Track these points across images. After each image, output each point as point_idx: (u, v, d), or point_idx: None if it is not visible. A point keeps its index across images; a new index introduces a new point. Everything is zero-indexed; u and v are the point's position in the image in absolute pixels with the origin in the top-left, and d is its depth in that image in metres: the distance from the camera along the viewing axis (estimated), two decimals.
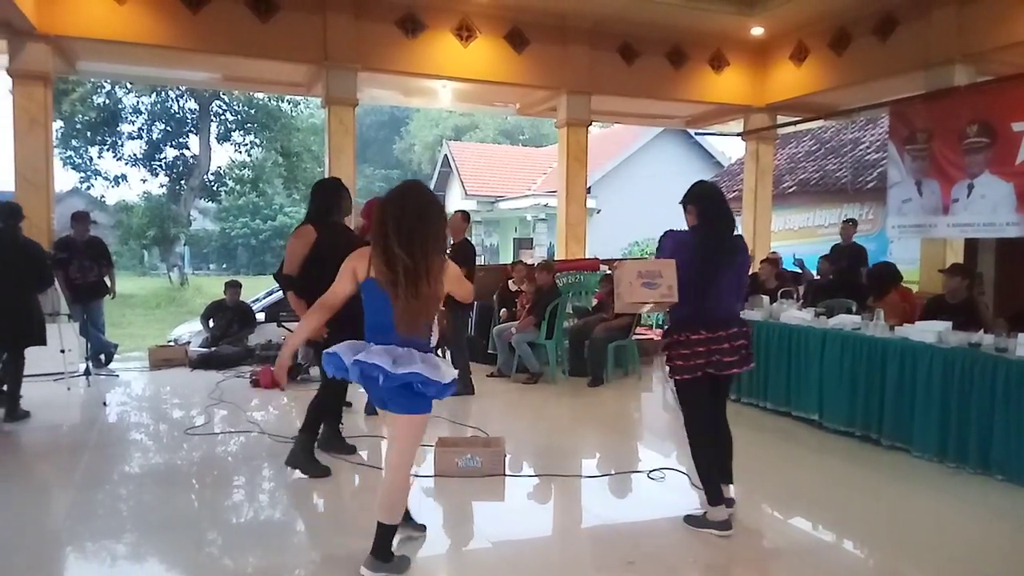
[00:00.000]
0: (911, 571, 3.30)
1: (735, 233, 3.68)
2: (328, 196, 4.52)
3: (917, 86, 7.98)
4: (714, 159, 21.20)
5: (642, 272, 3.43)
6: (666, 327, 3.79)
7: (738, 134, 11.20)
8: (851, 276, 7.75)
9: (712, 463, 3.64)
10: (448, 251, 3.68)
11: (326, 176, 8.73)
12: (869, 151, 12.37)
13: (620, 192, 19.67)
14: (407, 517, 3.33)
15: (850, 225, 8.47)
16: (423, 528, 3.48)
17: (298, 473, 4.29)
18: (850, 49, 8.85)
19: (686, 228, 3.69)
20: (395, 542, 3.08)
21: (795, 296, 6.90)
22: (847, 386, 5.32)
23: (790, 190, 13.12)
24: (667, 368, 3.66)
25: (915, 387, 4.84)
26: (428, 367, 2.86)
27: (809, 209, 13.18)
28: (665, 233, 3.70)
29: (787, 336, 5.94)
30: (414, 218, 2.88)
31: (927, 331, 4.91)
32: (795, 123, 10.60)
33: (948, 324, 4.93)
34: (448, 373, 2.93)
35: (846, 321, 5.62)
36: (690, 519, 3.66)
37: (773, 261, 8.59)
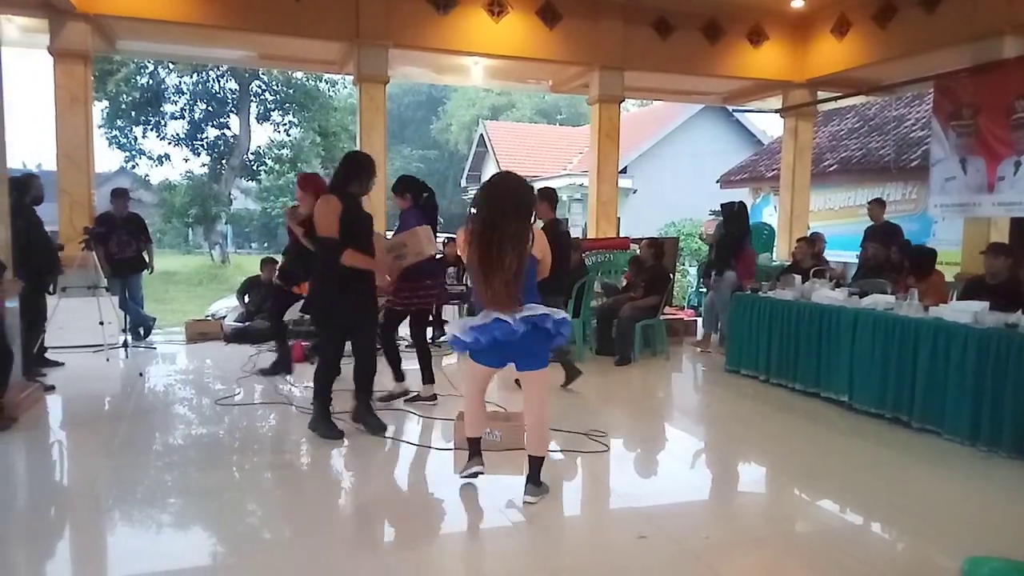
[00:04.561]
0: (939, 556, 3.22)
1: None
2: (353, 169, 4.57)
3: (964, 59, 7.66)
4: (755, 138, 20.67)
5: (426, 235, 5.11)
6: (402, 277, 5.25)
7: (776, 111, 10.93)
8: (886, 255, 7.54)
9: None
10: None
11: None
12: (915, 128, 11.95)
13: (658, 171, 19.32)
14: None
15: (877, 205, 8.20)
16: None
17: (316, 436, 4.54)
18: (894, 21, 8.53)
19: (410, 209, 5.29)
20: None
21: (828, 275, 6.74)
22: (878, 367, 5.20)
23: (831, 168, 12.77)
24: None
25: (948, 369, 4.70)
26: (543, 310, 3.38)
27: (851, 188, 12.81)
28: (410, 213, 5.28)
29: (818, 316, 5.83)
30: (505, 214, 3.31)
31: (963, 311, 4.76)
32: (835, 99, 10.31)
33: (985, 304, 4.77)
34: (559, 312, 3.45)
35: (879, 301, 5.48)
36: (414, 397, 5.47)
37: (810, 241, 8.40)
